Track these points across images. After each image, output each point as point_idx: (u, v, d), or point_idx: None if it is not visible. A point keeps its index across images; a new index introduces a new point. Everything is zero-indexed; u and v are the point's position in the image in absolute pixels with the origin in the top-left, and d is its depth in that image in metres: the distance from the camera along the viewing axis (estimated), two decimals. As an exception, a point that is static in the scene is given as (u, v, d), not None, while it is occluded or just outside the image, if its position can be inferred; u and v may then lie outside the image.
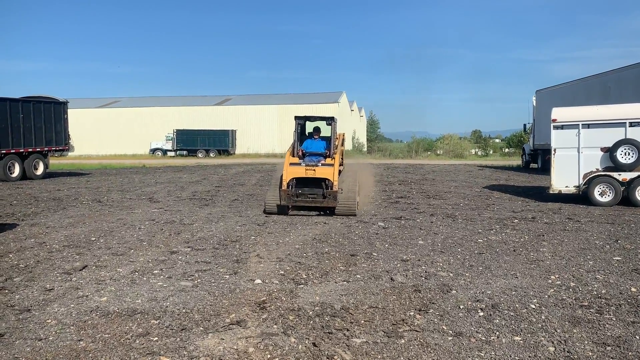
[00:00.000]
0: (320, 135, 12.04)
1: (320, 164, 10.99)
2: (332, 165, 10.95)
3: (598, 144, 13.02)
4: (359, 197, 11.81)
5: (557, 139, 13.39)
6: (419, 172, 25.99)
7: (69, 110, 24.58)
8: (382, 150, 55.62)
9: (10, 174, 20.90)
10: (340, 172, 11.40)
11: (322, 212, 11.46)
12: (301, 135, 12.07)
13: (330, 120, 11.57)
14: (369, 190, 15.27)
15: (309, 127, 12.48)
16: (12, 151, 20.87)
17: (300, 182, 10.92)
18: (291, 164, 11.02)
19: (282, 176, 10.98)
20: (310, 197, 10.84)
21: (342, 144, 12.22)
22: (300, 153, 11.47)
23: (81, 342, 4.42)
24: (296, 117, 11.81)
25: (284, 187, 10.76)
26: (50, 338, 4.53)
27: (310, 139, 11.94)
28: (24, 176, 21.48)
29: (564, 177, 13.30)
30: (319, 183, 10.91)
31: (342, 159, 12.10)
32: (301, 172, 10.87)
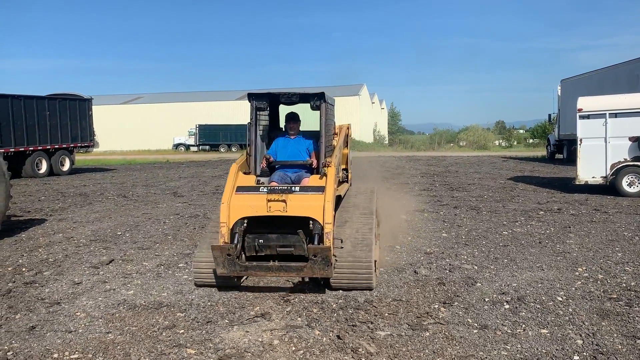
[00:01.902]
0: (300, 130, 6.53)
1: (297, 188, 5.33)
2: (323, 189, 5.28)
3: (626, 134, 12.74)
4: (377, 248, 6.27)
5: (583, 128, 13.15)
6: (442, 164, 25.78)
7: (93, 107, 24.98)
8: (403, 143, 55.32)
9: (38, 170, 21.33)
10: (341, 198, 6.06)
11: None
12: (270, 130, 6.65)
13: (317, 100, 5.82)
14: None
15: (283, 116, 6.84)
16: (39, 148, 21.28)
17: (261, 223, 5.35)
18: (240, 189, 5.40)
19: (223, 216, 5.28)
20: (277, 260, 5.30)
21: (346, 144, 7.15)
22: (264, 164, 6.16)
23: (109, 335, 4.50)
24: (252, 96, 5.95)
25: (223, 239, 5.17)
26: (80, 330, 4.63)
27: (284, 137, 6.44)
28: (51, 172, 21.91)
29: (590, 167, 13.07)
30: (297, 225, 5.24)
31: (346, 170, 6.96)
32: (259, 205, 5.22)
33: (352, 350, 4.11)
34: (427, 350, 4.12)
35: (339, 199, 5.98)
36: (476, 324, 4.64)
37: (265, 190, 5.32)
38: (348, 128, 7.38)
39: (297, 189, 5.29)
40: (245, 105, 8.28)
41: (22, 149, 20.48)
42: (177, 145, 54.04)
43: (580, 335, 4.36)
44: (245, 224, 5.27)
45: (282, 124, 6.78)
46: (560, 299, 5.28)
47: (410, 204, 11.93)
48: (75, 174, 23.07)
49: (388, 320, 4.75)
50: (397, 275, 6.16)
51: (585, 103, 13.26)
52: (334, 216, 5.44)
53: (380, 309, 5.02)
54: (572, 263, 6.63)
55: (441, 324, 4.66)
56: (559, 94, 28.43)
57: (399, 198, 12.84)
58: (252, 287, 5.80)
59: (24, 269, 6.73)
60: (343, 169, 6.80)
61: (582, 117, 13.15)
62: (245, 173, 5.75)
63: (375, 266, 5.60)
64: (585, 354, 4.03)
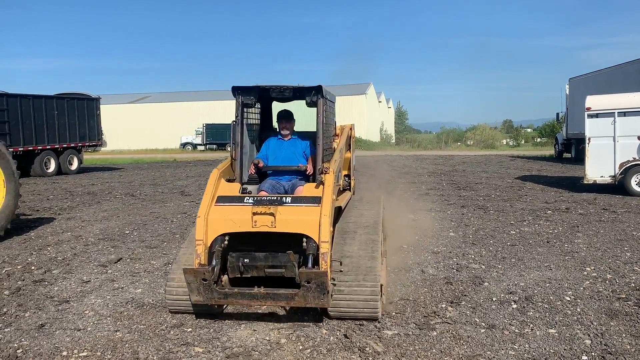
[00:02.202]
0: (296, 130, 5.77)
1: (288, 199, 4.58)
2: (319, 200, 4.52)
3: (635, 133, 12.66)
4: (384, 269, 5.38)
5: (591, 127, 13.08)
6: (449, 163, 25.72)
7: (101, 106, 25.09)
8: (410, 142, 55.22)
9: (47, 169, 21.46)
10: (341, 209, 5.37)
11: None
12: (261, 131, 5.90)
13: (313, 94, 5.01)
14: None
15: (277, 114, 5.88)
16: (47, 147, 21.40)
17: (247, 240, 4.64)
18: (221, 199, 4.65)
19: (199, 232, 4.52)
20: (265, 283, 4.55)
21: (349, 147, 6.38)
22: (252, 170, 5.44)
23: (118, 333, 4.53)
24: (238, 90, 5.13)
25: (199, 260, 4.42)
26: (89, 328, 4.66)
27: (277, 139, 5.66)
28: (59, 171, 22.03)
29: (599, 166, 13.00)
30: (289, 241, 4.53)
31: (348, 176, 6.27)
32: (242, 219, 4.47)
33: (359, 350, 4.11)
34: (434, 350, 4.11)
35: (339, 211, 5.24)
36: (484, 324, 4.64)
37: (250, 201, 4.55)
38: (351, 129, 6.46)
39: (289, 199, 4.53)
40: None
41: (31, 148, 20.59)
42: (184, 145, 54.22)
43: (589, 335, 4.34)
44: (226, 242, 4.50)
45: (275, 124, 5.86)
46: (569, 298, 5.26)
47: (417, 203, 11.91)
48: (83, 173, 23.18)
49: (395, 319, 4.75)
50: (405, 275, 6.15)
51: (594, 102, 13.19)
52: (333, 232, 4.74)
53: (387, 308, 5.02)
54: (580, 263, 6.59)
55: (448, 323, 4.65)
56: (567, 92, 28.28)
57: (406, 197, 12.83)
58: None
59: (33, 267, 6.78)
60: (345, 176, 6.12)
61: (590, 116, 13.09)
62: (228, 180, 4.95)
63: (381, 291, 4.71)
64: (593, 354, 4.01)
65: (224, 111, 56.28)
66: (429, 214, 10.45)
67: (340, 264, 4.58)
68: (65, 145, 22.33)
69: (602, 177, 13.00)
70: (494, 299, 5.27)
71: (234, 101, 5.24)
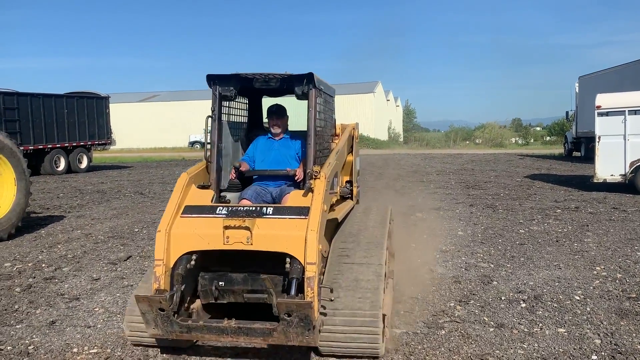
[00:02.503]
0: (288, 128, 4.96)
1: (269, 210, 3.77)
2: (306, 212, 3.70)
3: (646, 131, 12.57)
4: (388, 295, 4.65)
5: (601, 126, 13.00)
6: (458, 162, 25.63)
7: (110, 105, 25.23)
8: (418, 140, 55.05)
9: (56, 167, 21.61)
10: (339, 221, 4.59)
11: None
12: (249, 130, 5.15)
13: (305, 85, 4.20)
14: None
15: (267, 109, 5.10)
16: (57, 146, 21.56)
17: (222, 258, 3.96)
18: (188, 210, 3.89)
19: (159, 250, 3.76)
20: (245, 312, 3.99)
21: (351, 148, 5.51)
22: (232, 174, 4.64)
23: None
24: (214, 79, 4.33)
25: (158, 285, 3.61)
26: (99, 325, 4.70)
27: (266, 137, 4.88)
28: (69, 170, 22.19)
29: (609, 165, 12.92)
30: (272, 262, 3.75)
31: (350, 182, 5.46)
32: (212, 235, 3.69)
33: None
34: (442, 349, 4.11)
35: (336, 224, 4.55)
36: (492, 323, 4.63)
37: (224, 211, 3.75)
38: (354, 129, 5.56)
39: (270, 210, 3.72)
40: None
41: (41, 147, 20.75)
42: (192, 143, 54.38)
43: (599, 335, 4.32)
44: (193, 262, 3.72)
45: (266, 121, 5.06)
46: (578, 298, 5.23)
47: (425, 202, 11.89)
48: (92, 171, 23.33)
49: (404, 318, 4.75)
50: (413, 273, 6.14)
51: (604, 100, 13.11)
52: (327, 251, 4.18)
53: (395, 306, 5.02)
54: (590, 262, 6.56)
55: (457, 322, 4.64)
56: (577, 90, 28.09)
57: (414, 196, 12.81)
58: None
59: (43, 265, 6.84)
60: (346, 182, 5.41)
61: (600, 114, 13.01)
62: (202, 187, 4.18)
63: (384, 323, 3.87)
64: (603, 353, 3.99)
65: (232, 110, 56.37)
66: (437, 212, 10.42)
67: (331, 291, 3.71)
68: (75, 144, 22.48)
69: (612, 175, 12.92)
70: (502, 298, 5.25)
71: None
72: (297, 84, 4.19)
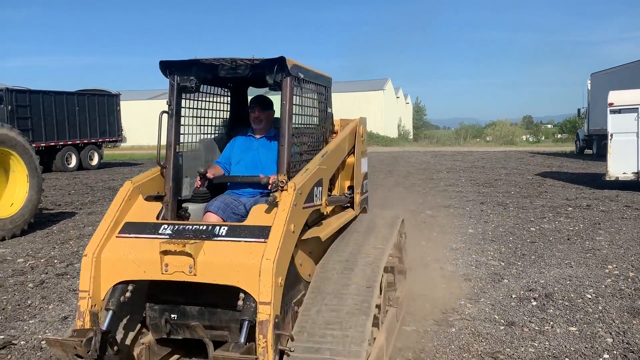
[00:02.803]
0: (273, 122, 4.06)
1: (222, 230, 3.05)
2: (266, 233, 2.93)
3: (659, 129, 12.46)
4: (381, 334, 3.54)
5: (614, 123, 12.90)
6: (468, 160, 25.51)
7: (121, 102, 25.38)
8: (429, 138, 54.87)
9: (68, 164, 21.78)
10: (338, 234, 3.99)
11: None
12: (232, 127, 4.38)
13: (276, 73, 3.33)
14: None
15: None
16: (69, 143, 21.72)
17: (169, 286, 3.08)
18: (128, 227, 3.26)
19: (84, 280, 3.10)
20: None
21: (352, 148, 4.49)
22: (198, 182, 3.83)
23: (139, 326, 4.58)
24: (170, 67, 3.58)
25: (82, 323, 3.00)
26: (110, 321, 4.73)
27: (245, 136, 4.08)
28: (80, 167, 22.35)
29: (621, 163, 12.81)
30: (224, 296, 2.99)
31: (351, 188, 4.48)
32: (148, 261, 2.98)
33: (377, 345, 4.10)
34: (453, 346, 4.10)
35: (320, 245, 3.67)
36: (503, 321, 4.61)
37: (168, 231, 3.11)
38: (359, 125, 4.59)
39: (224, 230, 3.02)
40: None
41: (53, 144, 20.92)
42: (202, 140, 54.61)
43: (610, 334, 4.29)
44: (128, 294, 3.08)
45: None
46: (590, 296, 5.20)
47: (435, 199, 11.86)
48: (103, 168, 23.48)
49: (413, 315, 4.74)
50: (423, 271, 6.13)
51: (617, 97, 13.00)
52: (310, 275, 3.46)
53: (405, 304, 5.01)
54: (602, 260, 6.51)
55: (467, 320, 4.63)
56: (589, 88, 27.87)
57: (424, 194, 12.78)
58: None
59: (55, 261, 6.90)
60: (348, 187, 4.48)
61: (613, 112, 12.91)
62: (155, 197, 3.53)
63: None
64: (615, 352, 3.97)
65: (242, 107, 56.51)
66: (447, 210, 10.39)
67: (290, 339, 2.92)
68: (86, 141, 22.63)
69: (624, 173, 12.81)
70: (513, 296, 5.23)
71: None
72: (268, 71, 3.35)
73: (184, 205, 3.66)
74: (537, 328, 4.44)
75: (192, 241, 2.90)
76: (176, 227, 3.15)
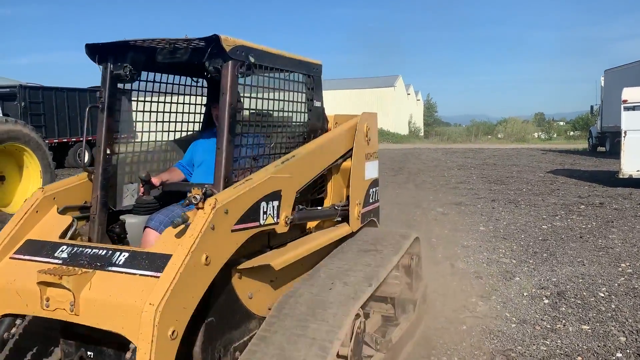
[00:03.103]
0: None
1: (122, 258, 2.40)
2: (161, 265, 2.27)
3: (673, 126, 12.33)
4: None
5: (628, 120, 12.77)
6: (479, 157, 25.39)
7: (132, 99, 25.54)
8: (439, 135, 54.67)
9: (80, 160, 21.96)
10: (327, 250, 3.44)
11: None
12: (209, 122, 4.02)
13: (213, 57, 2.68)
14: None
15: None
16: (81, 139, 21.89)
17: (68, 331, 2.58)
18: (28, 245, 2.67)
19: None
20: None
21: (349, 151, 3.70)
22: (141, 191, 3.25)
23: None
24: (99, 52, 3.00)
25: None
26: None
27: (211, 132, 3.54)
28: (92, 163, 22.51)
29: (635, 160, 12.68)
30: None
31: (348, 199, 3.71)
32: (30, 294, 2.38)
33: (388, 342, 4.10)
34: (464, 344, 4.09)
35: (297, 267, 3.13)
36: (514, 319, 4.59)
37: (64, 254, 2.54)
38: (359, 122, 3.79)
39: (123, 258, 2.41)
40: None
41: (65, 140, 21.09)
42: (213, 137, 54.92)
43: (624, 332, 4.26)
44: (16, 328, 2.70)
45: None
46: (602, 295, 5.16)
47: (446, 196, 11.81)
48: (115, 164, 23.64)
49: (425, 313, 4.73)
50: (434, 268, 6.11)
51: (631, 94, 12.87)
52: (270, 307, 2.87)
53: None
54: (615, 258, 6.46)
55: (479, 317, 4.62)
56: (602, 84, 27.63)
57: (435, 191, 12.74)
58: None
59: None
60: (346, 197, 3.73)
61: (627, 109, 12.79)
62: (74, 208, 3.01)
63: None
64: (628, 351, 3.94)
65: (253, 104, 56.61)
66: (458, 207, 10.35)
67: None
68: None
69: (638, 171, 12.69)
70: (525, 294, 5.21)
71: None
72: (206, 55, 2.70)
73: (121, 218, 3.07)
74: (549, 326, 4.42)
75: (80, 270, 2.35)
76: (74, 249, 2.55)
